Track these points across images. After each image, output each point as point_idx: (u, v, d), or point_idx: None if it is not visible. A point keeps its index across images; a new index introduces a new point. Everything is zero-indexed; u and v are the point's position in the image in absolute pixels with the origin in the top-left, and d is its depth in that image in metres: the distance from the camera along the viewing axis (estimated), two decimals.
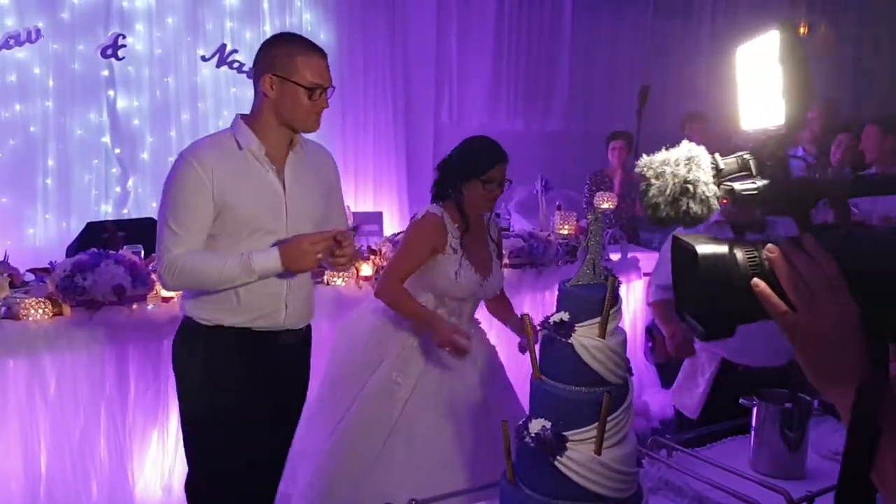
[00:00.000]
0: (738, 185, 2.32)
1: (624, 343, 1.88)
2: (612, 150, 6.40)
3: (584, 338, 1.82)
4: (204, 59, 6.01)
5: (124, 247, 3.74)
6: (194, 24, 5.95)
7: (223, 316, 2.60)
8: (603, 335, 1.83)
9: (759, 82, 1.78)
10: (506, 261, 4.58)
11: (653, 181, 3.11)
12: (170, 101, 5.87)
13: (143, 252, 3.82)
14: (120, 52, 5.64)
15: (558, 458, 1.78)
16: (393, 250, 4.19)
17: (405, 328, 3.18)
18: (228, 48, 6.09)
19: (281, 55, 2.53)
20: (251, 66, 2.73)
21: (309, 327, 2.86)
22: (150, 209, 5.51)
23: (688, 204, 3.10)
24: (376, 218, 5.64)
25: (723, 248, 1.23)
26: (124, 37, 5.64)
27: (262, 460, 2.76)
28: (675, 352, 3.55)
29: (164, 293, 3.58)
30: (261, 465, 2.75)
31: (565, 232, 4.91)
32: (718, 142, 3.43)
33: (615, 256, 5.04)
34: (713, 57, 8.48)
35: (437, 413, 3.10)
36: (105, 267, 3.33)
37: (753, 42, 1.80)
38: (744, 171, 2.80)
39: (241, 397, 2.63)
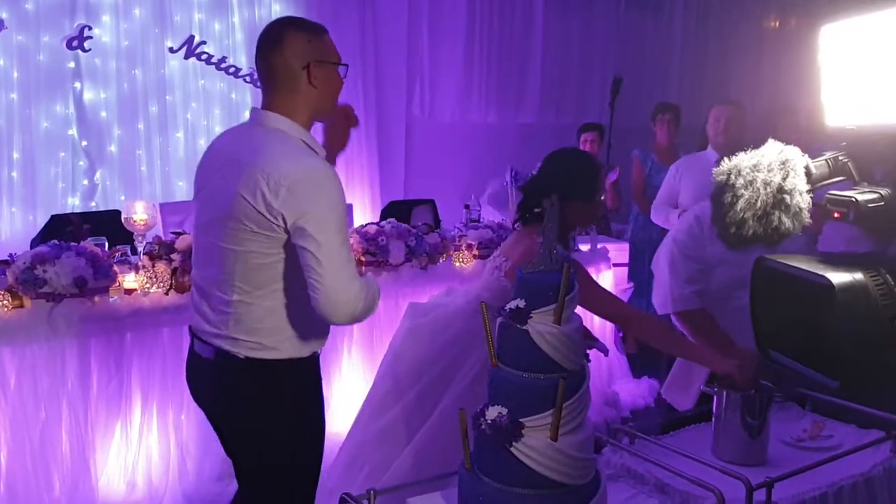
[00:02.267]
0: (859, 196, 2.09)
1: (580, 329, 1.87)
2: (584, 143, 6.40)
3: (540, 324, 1.82)
4: (172, 50, 5.94)
5: (88, 239, 3.69)
6: (162, 16, 5.89)
7: (314, 342, 2.37)
8: (559, 321, 1.82)
9: (864, 70, 1.51)
10: (474, 251, 4.58)
11: (741, 191, 2.95)
12: (137, 94, 5.81)
13: (106, 244, 3.78)
14: (86, 44, 5.57)
15: (514, 444, 1.78)
16: (361, 241, 4.17)
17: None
18: (196, 40, 6.02)
19: (311, 39, 2.28)
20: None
21: None
22: (118, 202, 5.46)
23: (779, 218, 2.98)
24: (347, 210, 5.61)
25: (856, 277, 1.08)
26: (90, 28, 5.57)
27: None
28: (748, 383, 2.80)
29: (129, 285, 3.55)
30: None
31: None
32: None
33: (585, 247, 5.05)
34: (686, 49, 8.54)
35: None
36: (66, 259, 3.29)
37: (851, 21, 1.53)
38: (838, 177, 2.68)
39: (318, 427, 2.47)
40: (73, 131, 5.64)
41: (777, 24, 8.96)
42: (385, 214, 5.50)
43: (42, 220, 5.07)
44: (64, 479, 3.36)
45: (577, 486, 1.82)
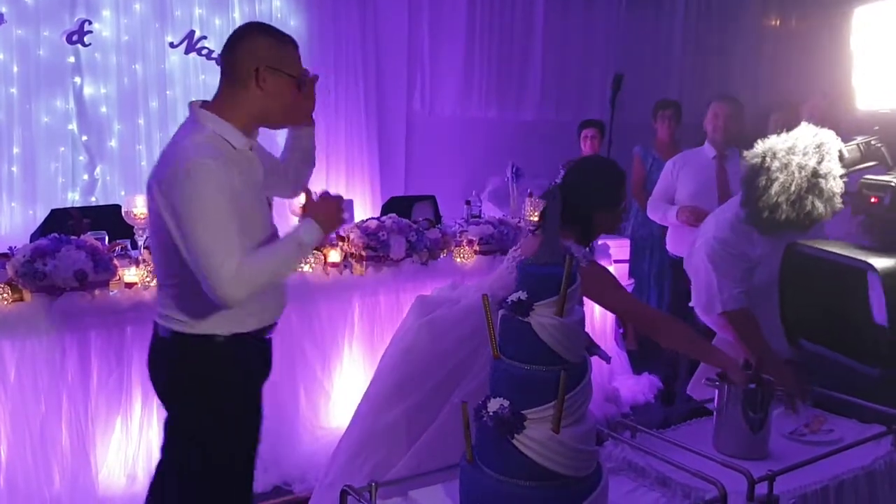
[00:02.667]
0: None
1: (582, 322, 1.87)
2: (585, 139, 6.39)
3: (542, 317, 1.82)
4: (172, 45, 5.93)
5: (88, 233, 3.68)
6: (162, 11, 5.87)
7: (236, 324, 2.43)
8: (561, 314, 1.82)
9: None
10: (476, 247, 4.58)
11: (776, 174, 2.92)
12: (137, 89, 5.79)
13: (106, 238, 3.77)
14: (86, 39, 5.55)
15: (516, 436, 1.78)
16: (361, 236, 4.17)
17: None
18: (197, 34, 6.01)
19: (273, 45, 2.36)
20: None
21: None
22: (118, 197, 5.44)
23: (813, 203, 2.95)
24: (347, 206, 5.59)
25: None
26: (90, 23, 5.55)
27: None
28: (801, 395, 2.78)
29: (129, 278, 3.54)
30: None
31: (536, 219, 4.89)
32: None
33: None
34: (686, 45, 8.53)
35: None
36: (66, 252, 3.28)
37: (885, 4, 1.48)
38: (870, 162, 2.66)
39: (249, 410, 2.57)
40: (74, 126, 5.62)
41: (778, 22, 8.95)
42: (385, 210, 5.49)
43: (42, 215, 5.06)
44: (64, 472, 3.35)
45: (579, 479, 1.82)
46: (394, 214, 4.46)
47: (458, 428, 2.67)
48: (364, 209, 6.68)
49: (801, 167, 2.80)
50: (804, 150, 2.82)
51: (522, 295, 1.85)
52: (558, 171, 6.20)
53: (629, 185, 6.16)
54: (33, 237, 4.16)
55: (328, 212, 2.47)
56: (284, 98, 2.37)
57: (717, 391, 2.45)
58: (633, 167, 6.14)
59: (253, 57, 2.32)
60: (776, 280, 2.83)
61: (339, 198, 2.52)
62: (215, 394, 2.44)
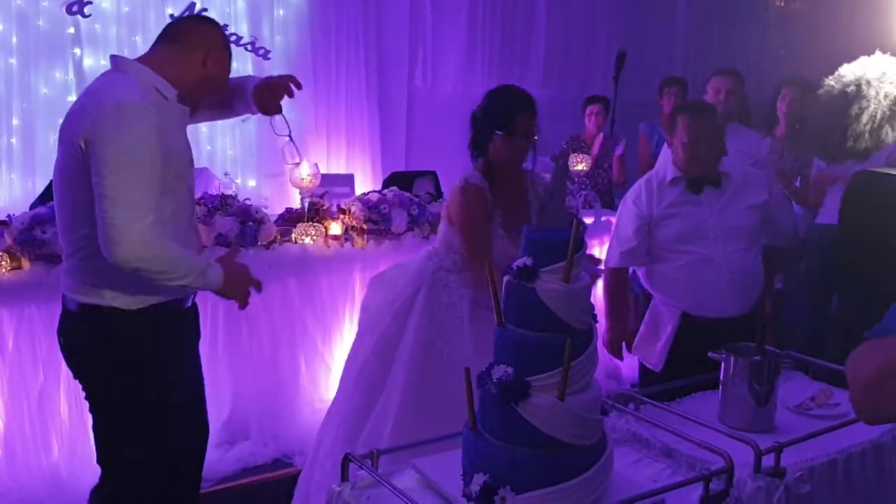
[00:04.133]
0: None
1: (588, 288, 1.84)
2: (589, 115, 6.34)
3: (548, 283, 1.78)
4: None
5: None
6: None
7: (146, 296, 2.38)
8: (567, 280, 1.78)
9: None
10: None
11: (867, 103, 2.91)
12: None
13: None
14: (86, 10, 5.50)
15: (521, 403, 1.75)
16: (363, 209, 4.13)
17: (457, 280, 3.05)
18: (198, 7, 5.96)
19: (224, 42, 2.52)
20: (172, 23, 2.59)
21: None
22: None
23: (887, 131, 2.97)
24: (348, 180, 5.57)
25: None
26: None
27: (194, 438, 2.65)
28: (609, 346, 3.50)
29: None
30: (193, 443, 2.65)
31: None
32: None
33: (588, 220, 5.00)
34: (690, 21, 8.46)
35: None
36: None
37: None
38: None
39: (175, 380, 2.51)
40: (73, 98, 5.55)
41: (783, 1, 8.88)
42: (386, 185, 5.44)
43: (41, 187, 5.02)
44: (62, 441, 3.34)
45: (584, 447, 1.79)
46: (395, 188, 4.42)
47: (419, 366, 2.94)
48: (365, 184, 6.64)
49: (886, 95, 2.77)
50: (891, 80, 2.79)
51: (528, 261, 1.81)
52: (561, 148, 6.17)
53: (636, 163, 6.14)
54: (33, 207, 4.12)
55: (239, 283, 2.44)
56: (224, 65, 2.50)
57: (722, 364, 2.42)
58: (640, 144, 6.10)
59: (209, 39, 2.46)
60: (684, 237, 3.16)
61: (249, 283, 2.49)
62: (133, 369, 2.40)
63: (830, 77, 2.97)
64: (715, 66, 4.84)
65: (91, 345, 2.41)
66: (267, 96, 2.62)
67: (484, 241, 2.96)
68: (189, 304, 2.56)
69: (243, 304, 2.47)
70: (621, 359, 3.45)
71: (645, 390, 2.67)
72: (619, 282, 3.43)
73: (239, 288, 2.43)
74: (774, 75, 5.79)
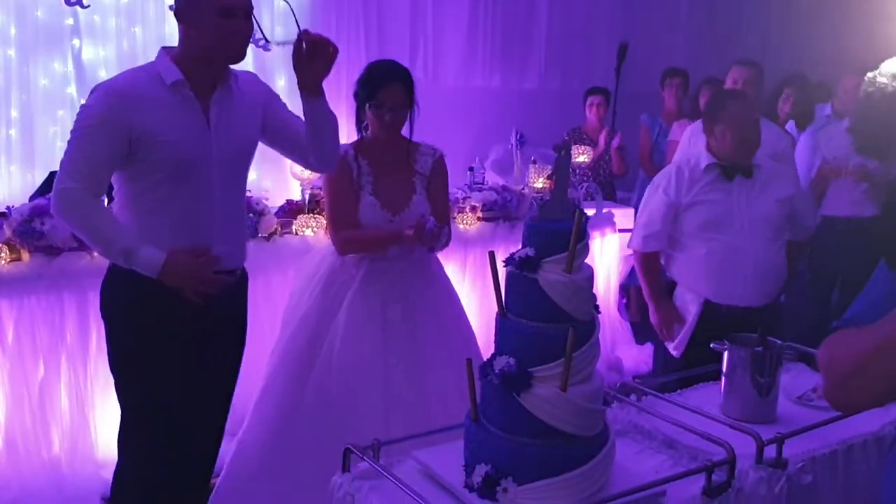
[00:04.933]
0: None
1: (591, 279, 1.83)
2: (591, 107, 6.33)
3: (550, 273, 1.78)
4: (171, 8, 5.83)
5: None
6: None
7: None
8: (569, 270, 1.78)
9: None
10: (479, 214, 4.53)
11: None
12: (137, 52, 5.67)
13: (105, 200, 3.72)
14: (85, 0, 5.45)
15: (523, 394, 1.75)
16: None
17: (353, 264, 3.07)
18: None
19: None
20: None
21: (244, 272, 2.69)
22: None
23: None
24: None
25: None
26: None
27: (205, 421, 2.67)
28: (660, 329, 3.50)
29: None
30: (204, 425, 2.66)
31: (539, 185, 4.85)
32: None
33: (590, 211, 4.99)
34: (692, 13, 8.43)
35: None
36: None
37: None
38: None
39: (182, 352, 2.49)
40: (72, 89, 5.53)
41: None
42: None
43: (40, 179, 4.99)
44: (63, 435, 3.33)
45: (586, 438, 1.79)
46: None
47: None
48: None
49: None
50: None
51: (530, 251, 1.81)
52: (562, 139, 6.16)
53: (636, 155, 6.12)
54: (32, 199, 4.11)
55: (180, 268, 2.36)
56: (210, 28, 2.34)
57: (725, 355, 2.41)
58: (641, 136, 6.08)
59: (193, 5, 2.38)
60: (711, 225, 3.21)
61: (197, 270, 2.40)
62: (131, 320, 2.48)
63: (877, 74, 2.95)
64: (717, 59, 4.81)
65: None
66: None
67: (342, 209, 3.03)
68: None
69: (190, 298, 2.39)
70: (673, 339, 3.42)
71: (648, 381, 2.67)
72: (649, 264, 3.46)
73: (181, 282, 2.37)
74: (777, 68, 5.76)
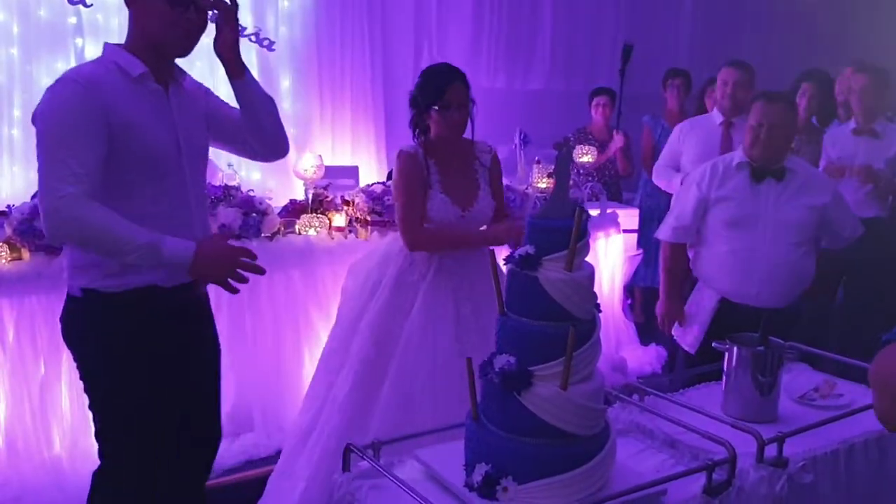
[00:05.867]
0: None
1: (591, 277, 1.82)
2: (596, 107, 6.32)
3: (551, 271, 1.77)
4: None
5: None
6: None
7: (132, 277, 2.26)
8: (570, 268, 1.77)
9: None
10: None
11: None
12: None
13: None
14: None
15: (523, 393, 1.74)
16: (367, 200, 4.12)
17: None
18: None
19: None
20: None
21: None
22: None
23: None
24: (352, 172, 5.55)
25: None
26: None
27: (191, 427, 2.54)
28: (660, 320, 3.59)
29: None
30: (190, 431, 2.54)
31: (543, 185, 4.84)
32: None
33: (594, 212, 4.98)
34: (696, 14, 8.42)
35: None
36: None
37: None
38: None
39: (161, 365, 2.36)
40: None
41: None
42: (391, 177, 5.44)
43: None
44: (64, 434, 3.33)
45: (587, 437, 1.78)
46: None
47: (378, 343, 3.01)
48: (369, 174, 6.61)
49: None
50: None
51: (530, 249, 1.80)
52: (567, 139, 6.16)
53: (639, 154, 6.11)
54: (34, 198, 4.12)
55: (216, 255, 2.23)
56: (155, 16, 2.23)
57: (725, 354, 2.40)
58: (643, 136, 6.07)
59: None
60: (735, 223, 3.25)
61: (234, 255, 2.26)
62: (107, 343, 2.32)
63: None
64: (721, 60, 4.79)
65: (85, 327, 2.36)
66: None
67: (414, 207, 3.06)
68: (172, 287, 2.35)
69: (228, 288, 2.27)
70: (670, 333, 3.52)
71: (650, 381, 2.66)
72: (674, 257, 3.52)
73: (218, 271, 2.24)
74: (781, 68, 5.74)
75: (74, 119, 2.12)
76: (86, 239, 2.14)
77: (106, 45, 2.33)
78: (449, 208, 3.06)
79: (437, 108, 3.02)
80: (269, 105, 2.51)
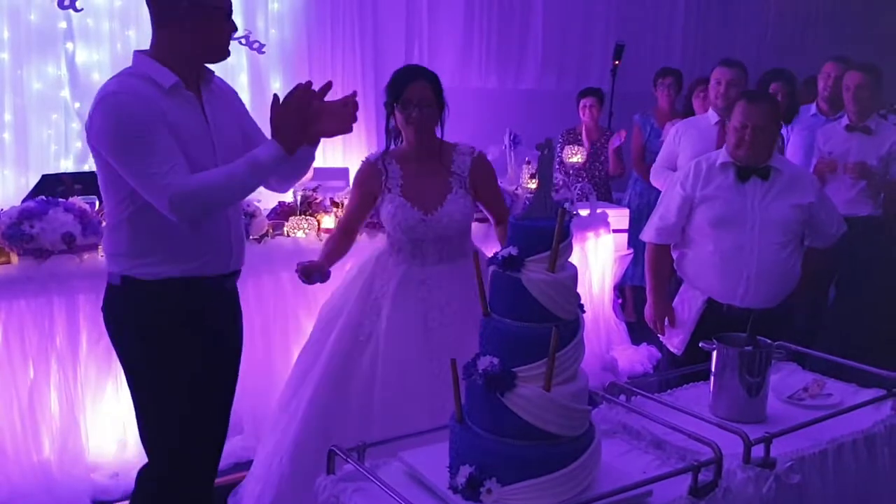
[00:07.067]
0: None
1: (574, 278, 1.82)
2: (584, 108, 6.30)
3: (533, 272, 1.77)
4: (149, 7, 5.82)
5: (77, 197, 3.63)
6: None
7: (170, 267, 2.37)
8: (553, 269, 1.76)
9: None
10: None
11: None
12: (130, 55, 5.66)
13: (97, 203, 3.71)
14: (78, 3, 5.43)
15: (507, 394, 1.73)
16: None
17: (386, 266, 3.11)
18: None
19: None
20: None
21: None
22: None
23: None
24: (342, 174, 5.53)
25: None
26: None
27: (215, 423, 2.63)
28: (650, 322, 3.57)
29: None
30: (213, 428, 2.62)
31: (533, 186, 4.83)
32: None
33: (584, 212, 4.98)
34: (688, 13, 8.43)
35: (409, 359, 2.98)
36: (53, 215, 3.24)
37: None
38: None
39: (194, 356, 2.45)
40: (66, 93, 5.53)
41: None
42: None
43: (34, 183, 5.00)
44: (54, 438, 3.33)
45: (571, 438, 1.78)
46: None
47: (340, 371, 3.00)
48: None
49: None
50: None
51: (513, 250, 1.79)
52: (557, 141, 6.15)
53: (628, 153, 6.11)
54: (24, 202, 4.10)
55: (287, 121, 2.30)
56: (212, 31, 2.34)
57: (714, 354, 2.40)
58: (633, 135, 6.06)
59: (171, 4, 2.32)
60: (720, 222, 3.23)
61: (308, 99, 2.34)
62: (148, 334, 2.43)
63: None
64: (714, 58, 4.80)
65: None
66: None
67: (348, 212, 3.22)
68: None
69: (300, 124, 2.32)
70: (663, 334, 3.51)
71: (636, 381, 2.66)
72: (659, 258, 3.50)
73: (291, 128, 2.31)
74: (774, 67, 5.75)
75: (140, 120, 2.22)
76: (208, 205, 2.29)
77: (135, 54, 2.40)
78: (408, 212, 3.03)
79: (397, 106, 3.02)
80: (310, 164, 2.63)
